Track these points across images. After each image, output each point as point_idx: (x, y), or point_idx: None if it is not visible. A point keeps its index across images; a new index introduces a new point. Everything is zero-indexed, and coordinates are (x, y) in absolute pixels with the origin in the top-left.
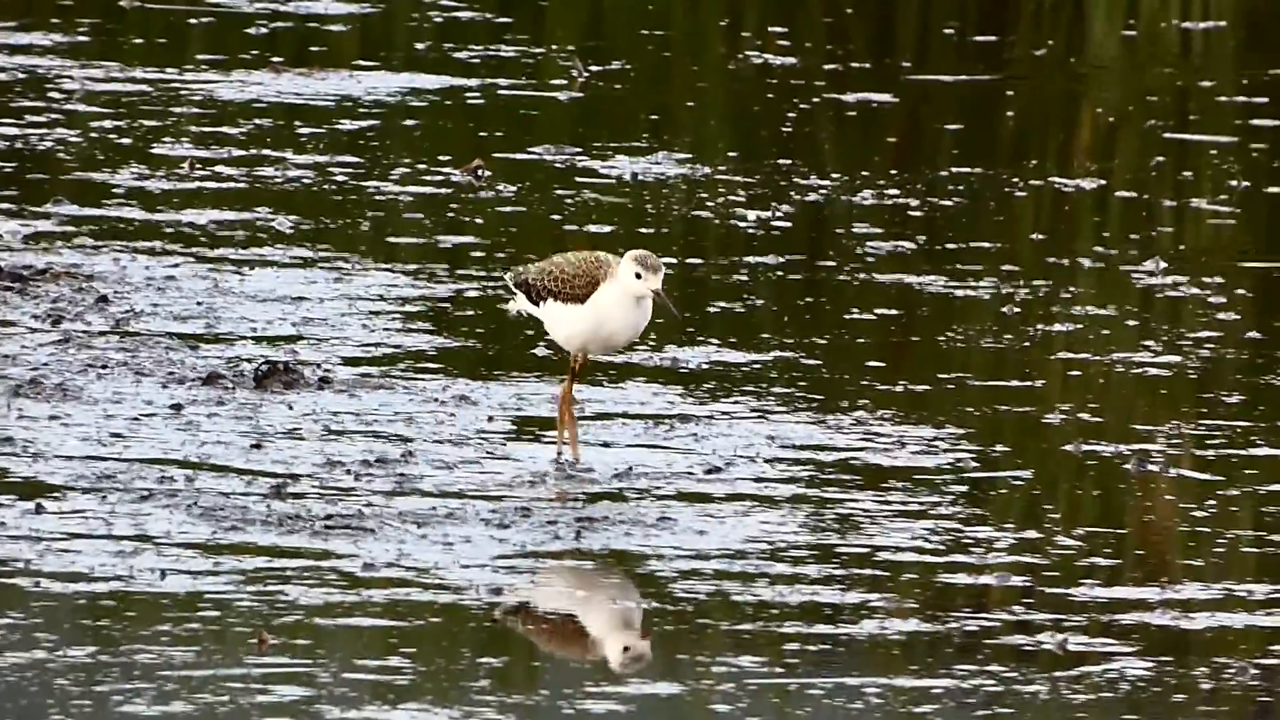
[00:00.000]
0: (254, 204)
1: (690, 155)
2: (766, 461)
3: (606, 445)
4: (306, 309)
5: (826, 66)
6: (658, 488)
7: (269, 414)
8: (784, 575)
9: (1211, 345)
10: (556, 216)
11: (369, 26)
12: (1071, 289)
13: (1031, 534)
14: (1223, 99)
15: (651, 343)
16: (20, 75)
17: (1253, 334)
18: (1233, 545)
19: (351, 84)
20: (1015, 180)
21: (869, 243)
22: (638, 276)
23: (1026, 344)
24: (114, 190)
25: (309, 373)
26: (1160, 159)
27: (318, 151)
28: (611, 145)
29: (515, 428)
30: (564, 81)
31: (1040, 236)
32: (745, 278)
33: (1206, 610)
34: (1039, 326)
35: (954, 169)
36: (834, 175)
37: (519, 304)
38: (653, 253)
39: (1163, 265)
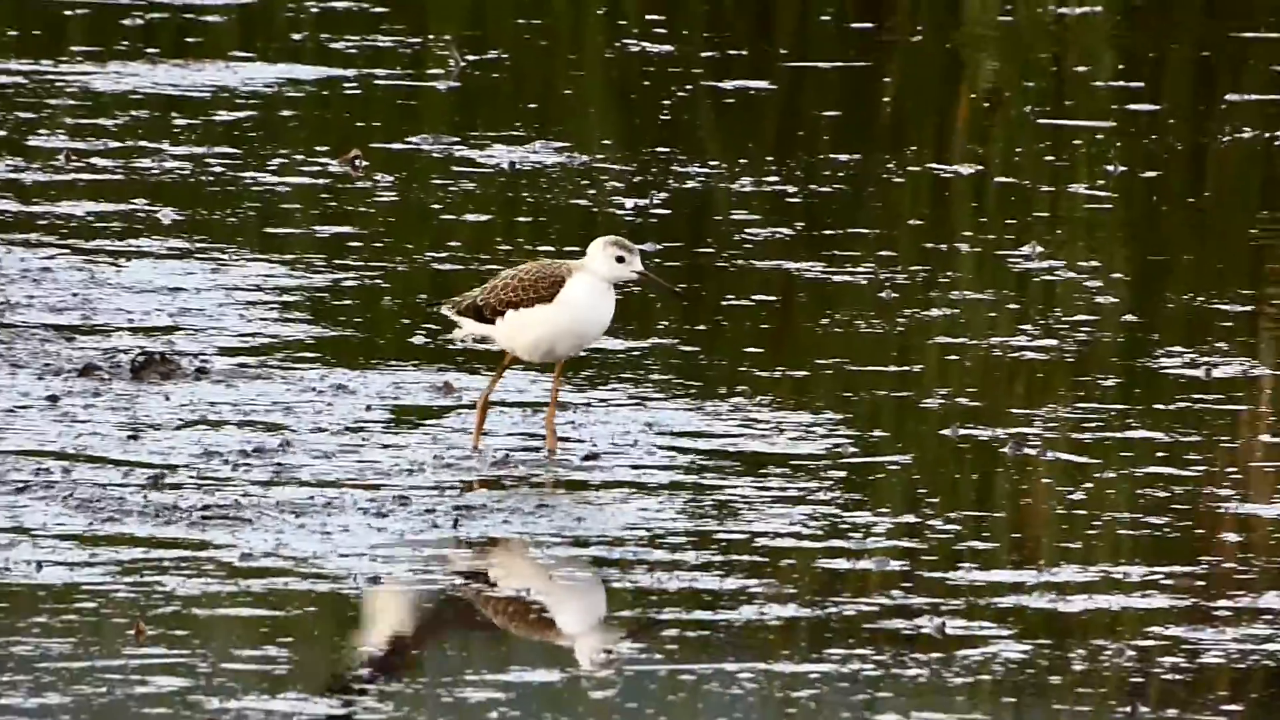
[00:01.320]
0: (130, 196)
1: (568, 144)
2: (645, 449)
3: (485, 434)
4: (183, 300)
5: (705, 54)
6: (535, 475)
7: (146, 405)
8: (663, 562)
9: (1088, 329)
10: (435, 206)
11: (246, 17)
12: (949, 274)
13: (910, 518)
14: (1099, 84)
15: None
16: None
17: (1129, 317)
18: (1109, 528)
19: (228, 75)
20: (893, 166)
21: (747, 229)
22: (620, 260)
23: (904, 329)
24: None
25: (186, 363)
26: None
27: (194, 143)
28: (490, 134)
29: (393, 417)
30: (442, 71)
31: (918, 222)
32: None
33: (1083, 593)
34: (917, 312)
35: (832, 155)
36: (712, 162)
37: (467, 329)
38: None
39: (1039, 250)
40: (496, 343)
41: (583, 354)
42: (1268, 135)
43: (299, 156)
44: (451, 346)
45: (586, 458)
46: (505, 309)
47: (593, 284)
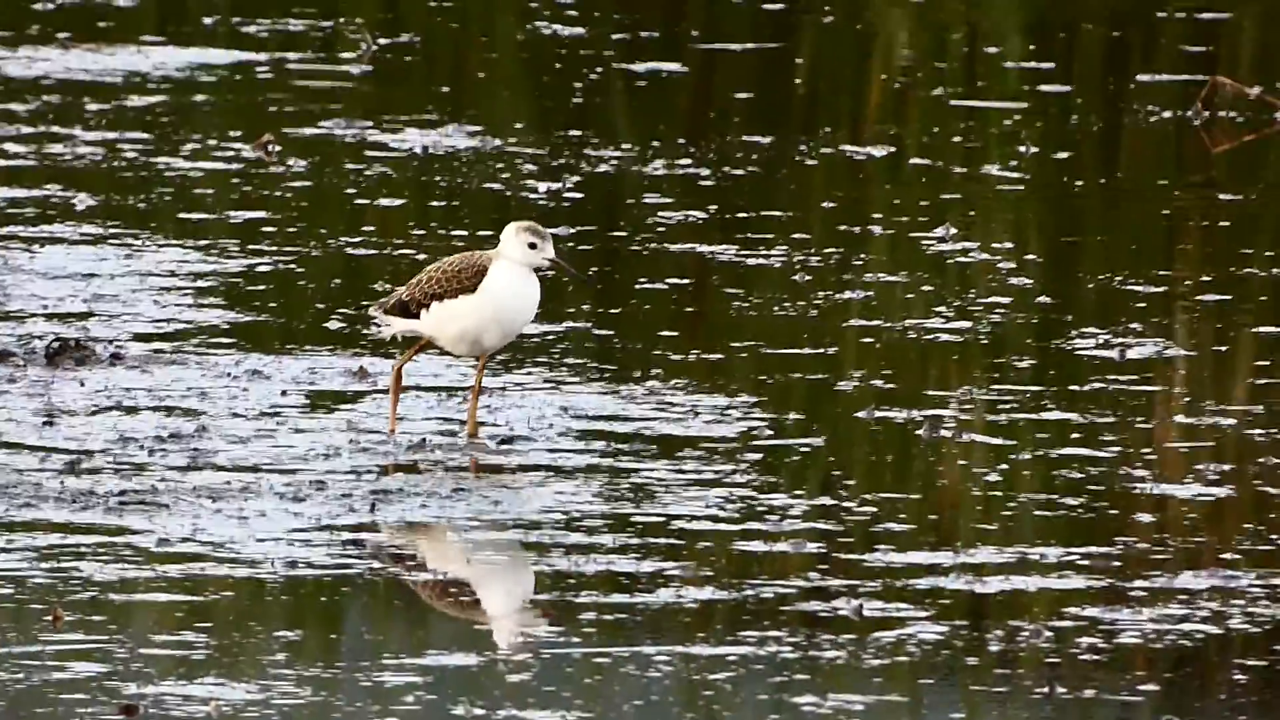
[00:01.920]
0: (43, 181)
1: (481, 127)
2: (560, 432)
3: (400, 418)
4: (98, 285)
5: (616, 36)
6: (452, 459)
7: (61, 391)
8: (580, 545)
9: (1002, 310)
10: (348, 190)
11: (159, 1)
12: (863, 256)
13: (826, 501)
14: (1010, 64)
15: None
16: None
17: (1043, 298)
18: (1025, 509)
19: (140, 59)
20: (806, 148)
21: (660, 212)
22: (532, 247)
23: (818, 311)
24: None
25: (101, 349)
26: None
27: (107, 128)
28: (402, 118)
29: (309, 402)
30: (354, 55)
31: (831, 204)
32: None
33: (1000, 574)
34: (831, 294)
35: (745, 137)
36: (625, 145)
37: (395, 327)
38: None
39: (953, 231)
40: (424, 337)
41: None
42: (1178, 115)
43: (212, 141)
44: (365, 332)
45: (502, 442)
46: (430, 301)
47: (513, 271)
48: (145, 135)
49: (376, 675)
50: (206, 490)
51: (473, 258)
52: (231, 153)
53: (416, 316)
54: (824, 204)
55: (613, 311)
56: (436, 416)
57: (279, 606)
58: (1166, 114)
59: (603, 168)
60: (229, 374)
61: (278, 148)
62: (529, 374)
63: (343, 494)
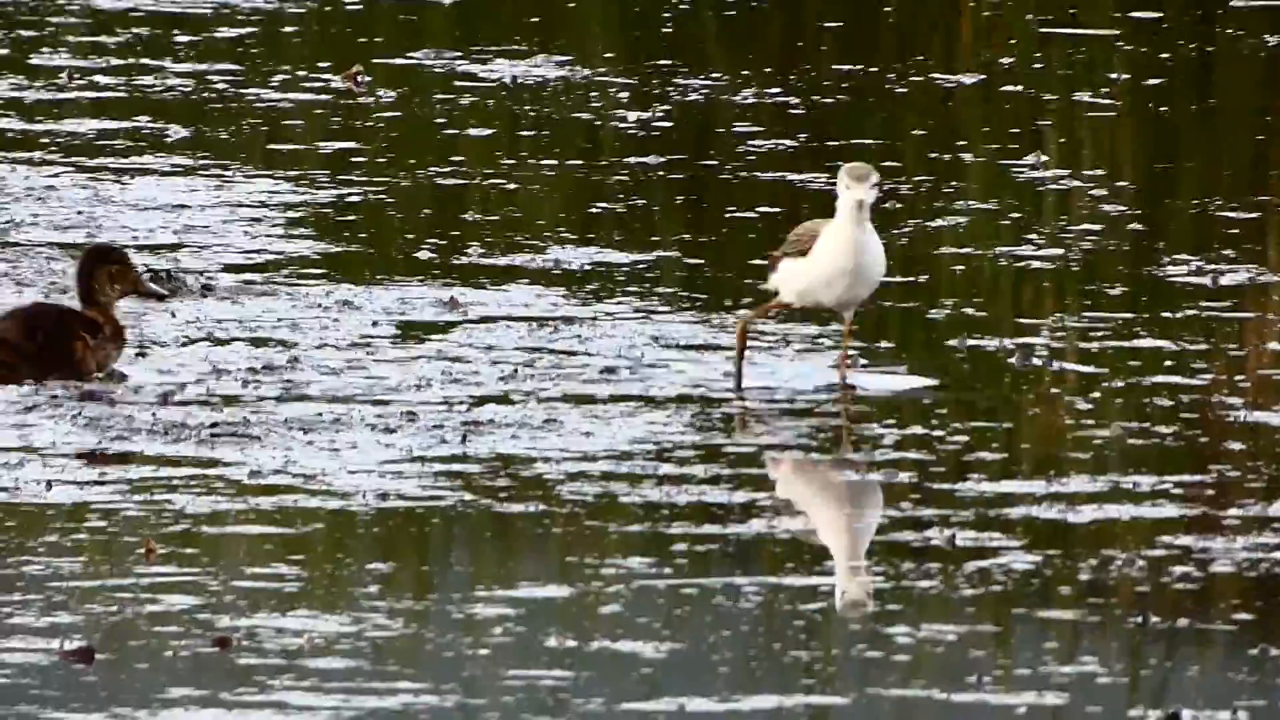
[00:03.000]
0: (133, 113)
1: (570, 57)
2: (652, 362)
3: (490, 348)
4: (188, 217)
5: None
6: (543, 390)
7: (153, 322)
8: (671, 476)
9: (1094, 238)
10: (438, 121)
11: None
12: (954, 184)
13: (918, 430)
14: None
15: (534, 244)
16: None
17: (1135, 225)
18: (1117, 437)
19: None
20: (896, 76)
21: (751, 141)
22: (847, 188)
23: (909, 239)
24: None
25: (192, 280)
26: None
27: (196, 59)
28: (491, 49)
29: (399, 332)
30: None
31: (921, 132)
32: (627, 178)
33: (1092, 503)
34: (922, 222)
35: (835, 66)
36: (715, 75)
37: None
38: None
39: (1044, 159)
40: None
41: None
42: (1272, 39)
43: (301, 73)
44: (456, 261)
45: (601, 371)
46: (781, 260)
47: (834, 229)
48: (234, 66)
49: (468, 607)
50: (298, 422)
51: (817, 224)
52: (320, 84)
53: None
54: (914, 132)
55: (703, 240)
56: (527, 347)
57: (370, 538)
58: (1260, 39)
59: (692, 97)
60: (319, 305)
61: (367, 78)
62: (619, 303)
63: (434, 425)
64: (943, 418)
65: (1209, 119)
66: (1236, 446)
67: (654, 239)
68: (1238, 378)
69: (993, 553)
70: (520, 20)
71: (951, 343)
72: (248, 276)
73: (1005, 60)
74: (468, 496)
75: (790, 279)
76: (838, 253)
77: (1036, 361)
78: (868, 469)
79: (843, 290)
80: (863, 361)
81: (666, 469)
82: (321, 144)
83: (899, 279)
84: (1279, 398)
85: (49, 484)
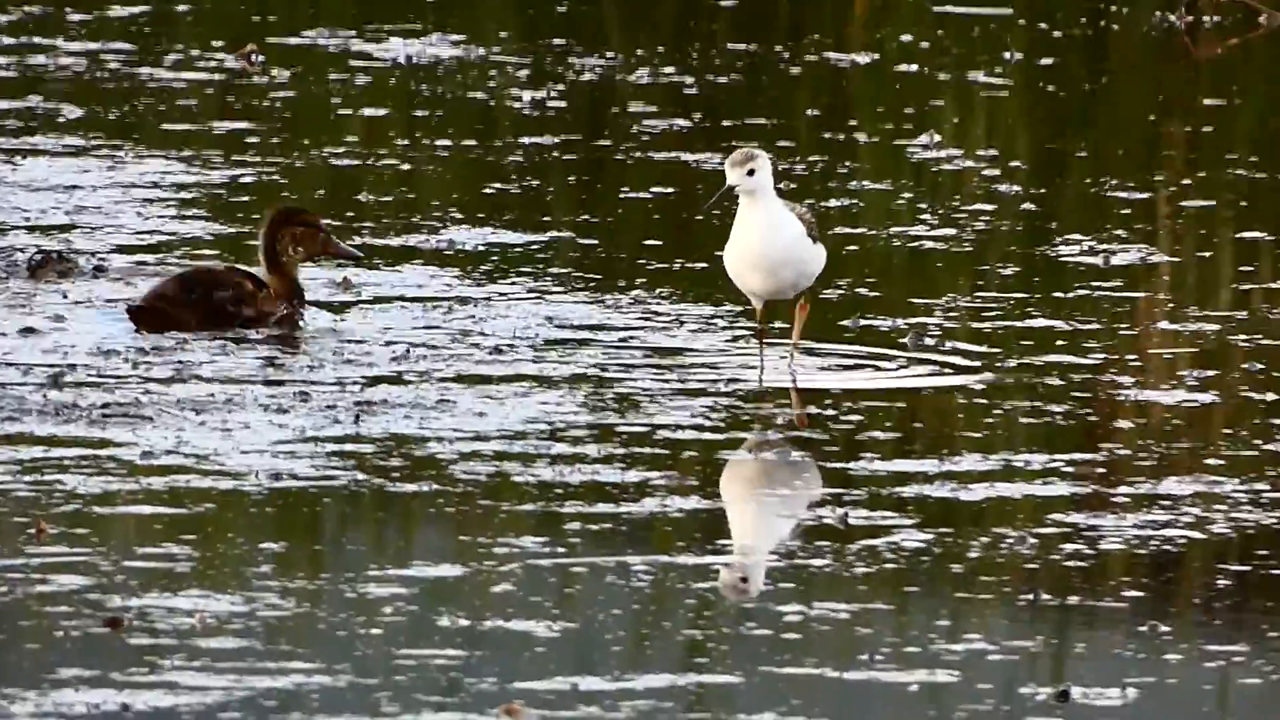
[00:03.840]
0: (25, 92)
1: (465, 36)
2: (545, 342)
3: (384, 329)
4: (80, 197)
5: None
6: (437, 370)
7: (43, 303)
8: (564, 455)
9: (986, 217)
10: (332, 100)
11: None
12: (847, 164)
13: (811, 409)
14: None
15: (429, 225)
16: None
17: (1027, 205)
18: (1009, 416)
19: None
20: (790, 56)
21: (645, 121)
22: (750, 174)
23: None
24: None
25: (84, 261)
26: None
27: (89, 38)
28: (386, 27)
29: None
30: None
31: (815, 112)
32: (521, 158)
33: (984, 481)
34: (815, 202)
35: (729, 46)
36: (609, 54)
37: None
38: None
39: (937, 138)
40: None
41: (456, 249)
42: (1162, 20)
43: (195, 52)
44: (349, 242)
45: (489, 352)
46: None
47: (742, 212)
48: (128, 46)
49: (361, 587)
50: (190, 402)
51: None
52: (214, 63)
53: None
54: (808, 111)
55: (597, 221)
56: (421, 327)
57: (263, 518)
58: (1152, 18)
59: (587, 76)
60: None
61: (261, 58)
62: (514, 284)
63: (327, 405)
64: (836, 397)
65: (1101, 99)
66: (1127, 425)
67: (548, 219)
68: (1129, 357)
69: (885, 531)
70: None
71: (845, 323)
72: (140, 257)
73: (899, 39)
74: (360, 476)
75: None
76: (734, 239)
77: (929, 341)
78: (760, 448)
79: (759, 277)
80: (754, 340)
81: (559, 449)
82: (215, 124)
83: None
84: (1169, 377)
85: None
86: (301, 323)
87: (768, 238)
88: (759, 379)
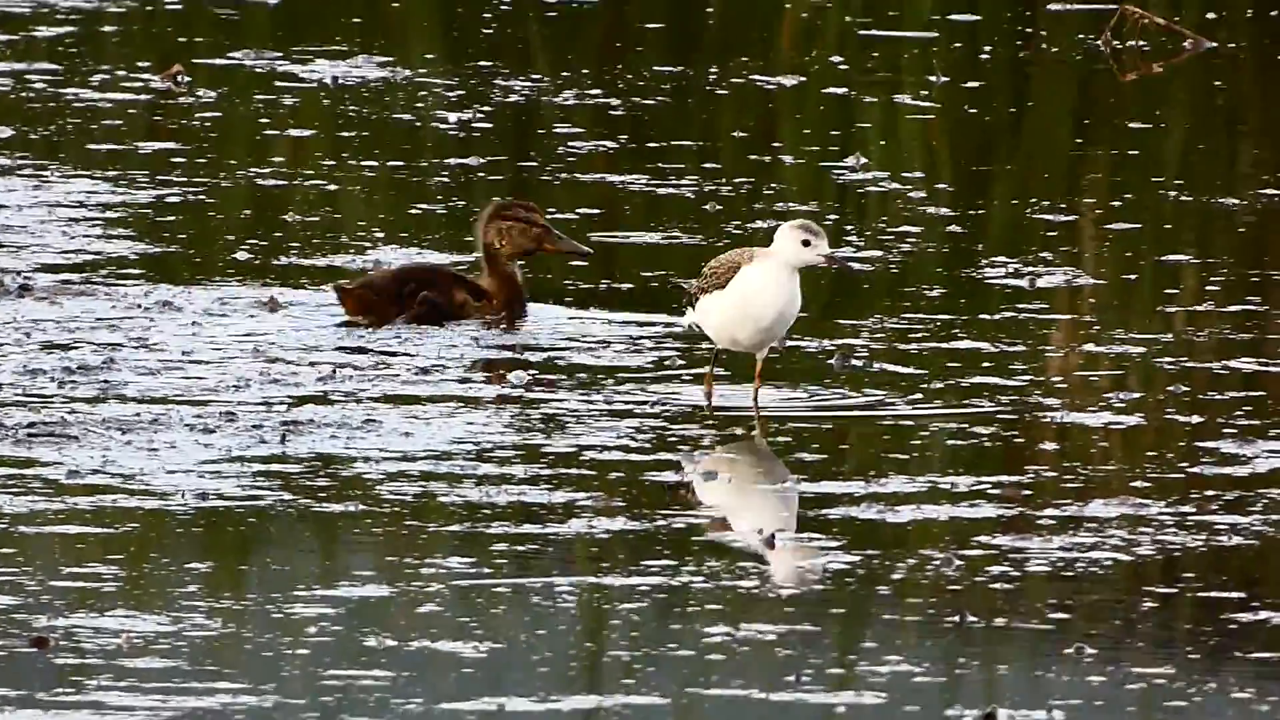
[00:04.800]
0: None
1: (391, 58)
2: (471, 362)
3: (310, 349)
4: (6, 217)
5: None
6: (363, 390)
7: None
8: (491, 476)
9: (912, 239)
10: (258, 121)
11: None
12: (773, 185)
13: (737, 430)
14: None
15: (355, 245)
16: None
17: (953, 228)
18: (935, 438)
19: None
20: (717, 78)
21: (571, 142)
22: (805, 244)
23: (729, 240)
24: None
25: (9, 280)
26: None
27: (14, 59)
28: (312, 49)
29: (218, 333)
30: None
31: (742, 134)
32: (448, 179)
33: (910, 503)
34: (741, 223)
35: (656, 67)
36: (536, 76)
37: (688, 319)
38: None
39: (863, 161)
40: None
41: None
42: (1087, 44)
43: (121, 72)
44: (276, 261)
45: (415, 373)
46: (700, 295)
47: (770, 271)
48: (53, 66)
49: (287, 607)
50: (116, 422)
51: (734, 255)
52: (140, 83)
53: (693, 307)
54: (735, 133)
55: None
56: (347, 347)
57: (189, 538)
58: (1075, 42)
59: (513, 98)
60: (138, 305)
61: (187, 78)
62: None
63: (253, 425)
64: (762, 419)
65: (1025, 121)
66: (1053, 447)
67: (473, 240)
68: (1054, 379)
69: (811, 553)
70: (342, 21)
71: (772, 344)
72: (65, 276)
73: (824, 62)
74: (287, 496)
75: (709, 314)
76: (766, 294)
77: (856, 362)
78: (687, 470)
79: (761, 332)
80: (680, 361)
81: (486, 469)
82: (141, 144)
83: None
84: (1094, 399)
85: None
86: (518, 322)
87: (786, 299)
88: (709, 405)
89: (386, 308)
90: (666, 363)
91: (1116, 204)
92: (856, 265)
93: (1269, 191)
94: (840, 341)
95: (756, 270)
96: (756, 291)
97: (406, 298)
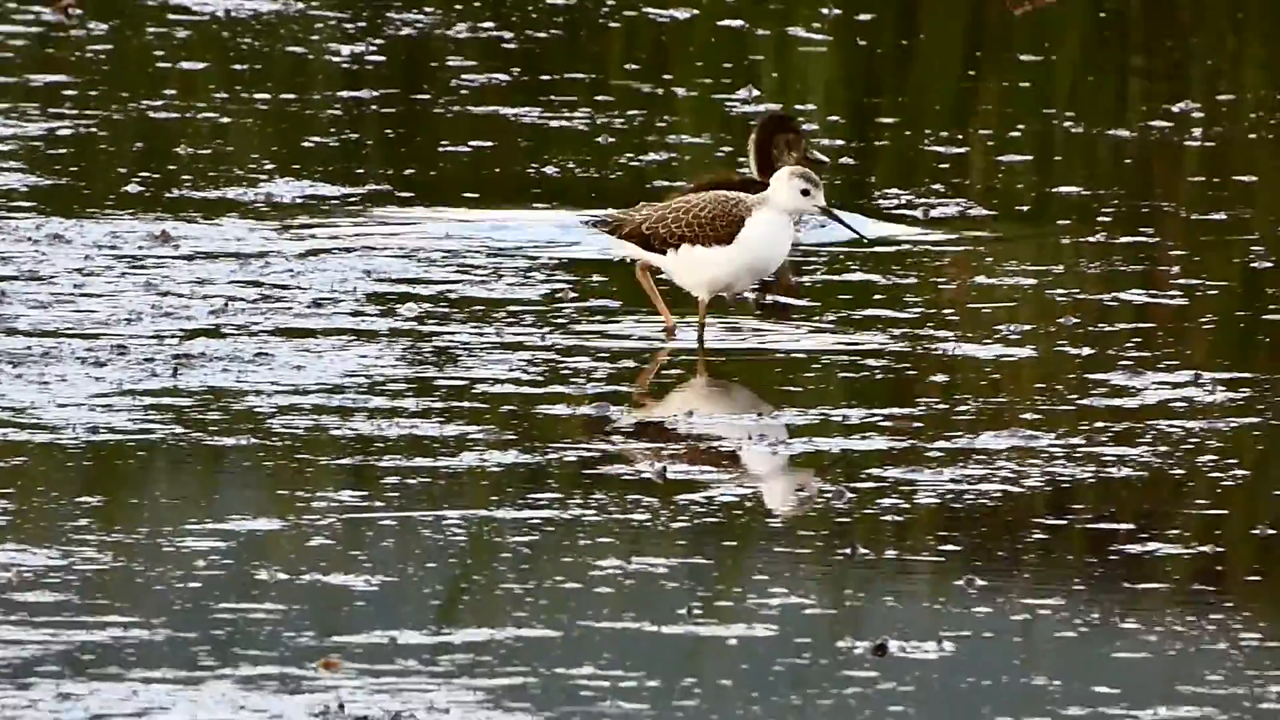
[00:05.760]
0: None
1: None
2: (364, 295)
3: (202, 282)
4: None
5: None
6: (255, 324)
7: None
8: (382, 409)
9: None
10: (152, 54)
11: None
12: (666, 118)
13: (629, 364)
14: None
15: (247, 178)
16: None
17: (845, 160)
18: (827, 371)
19: None
20: (609, 10)
21: (464, 75)
22: (805, 194)
23: (622, 172)
24: None
25: None
26: None
27: None
28: None
29: (110, 265)
30: None
31: (634, 66)
32: (340, 112)
33: (802, 435)
34: (634, 156)
35: (549, 1)
36: (428, 9)
37: (628, 253)
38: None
39: (756, 93)
40: (665, 273)
41: (274, 202)
42: None
43: (11, 4)
44: (168, 194)
45: (307, 305)
46: (679, 243)
47: (772, 220)
48: None
49: (178, 540)
50: (6, 355)
51: (728, 205)
52: (31, 16)
53: (660, 252)
54: (627, 66)
55: (416, 174)
56: (239, 280)
57: (80, 472)
58: None
59: (406, 31)
60: (29, 238)
61: (78, 11)
62: (333, 237)
63: (145, 359)
64: (654, 352)
65: (917, 53)
66: (944, 379)
67: (367, 172)
68: (946, 311)
69: (703, 486)
70: None
71: (663, 276)
72: None
73: None
74: (178, 430)
75: (704, 265)
76: (777, 246)
77: (747, 296)
78: (579, 403)
79: (758, 280)
80: (573, 294)
81: (377, 402)
82: (31, 76)
83: (610, 210)
84: (986, 331)
85: None
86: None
87: (788, 247)
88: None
89: None
90: (558, 295)
91: (1008, 135)
92: (848, 220)
93: (1158, 123)
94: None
95: (761, 221)
96: (768, 244)
97: None
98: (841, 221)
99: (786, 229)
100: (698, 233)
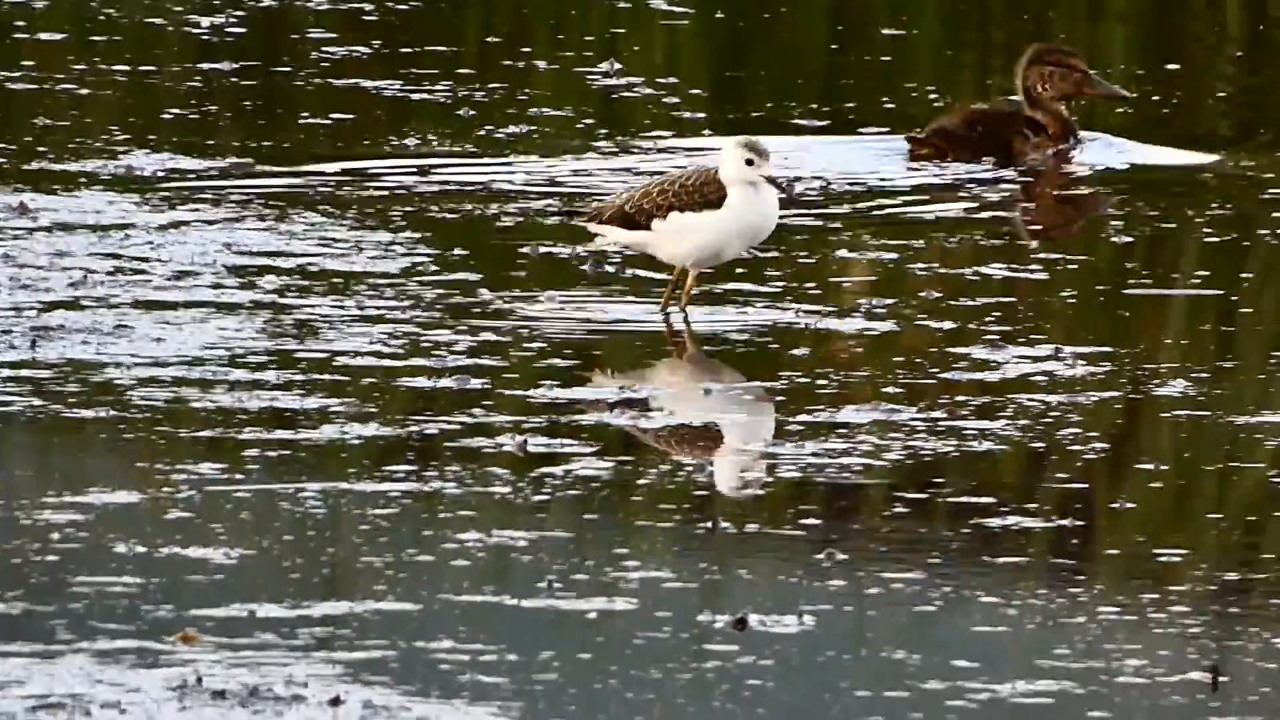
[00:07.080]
0: None
1: None
2: (224, 268)
3: (61, 254)
4: None
5: None
6: (115, 296)
7: None
8: (243, 381)
9: (666, 145)
10: (12, 24)
11: None
12: (527, 91)
13: (489, 337)
14: None
15: (106, 150)
16: None
17: (707, 132)
18: (689, 344)
19: None
20: None
21: (324, 48)
22: (749, 163)
23: (481, 146)
24: None
25: None
26: None
27: None
28: None
29: None
30: None
31: (495, 39)
32: (199, 84)
33: (663, 409)
34: (494, 129)
35: None
36: None
37: (613, 237)
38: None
39: (617, 66)
40: (649, 249)
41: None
42: None
43: None
44: (26, 166)
45: (167, 278)
46: (666, 213)
47: (761, 185)
48: None
49: (35, 513)
50: None
51: (713, 173)
52: None
53: (646, 228)
54: (488, 39)
55: (275, 146)
56: (99, 253)
57: None
58: None
59: (266, 2)
60: None
61: None
62: (194, 210)
63: (2, 331)
64: (514, 323)
65: (779, 26)
66: (805, 353)
67: (225, 145)
68: (808, 285)
69: (564, 459)
70: None
71: (524, 249)
72: None
73: None
74: (37, 402)
75: (693, 231)
76: (742, 215)
77: (609, 269)
78: (440, 375)
79: (748, 245)
80: (434, 267)
81: (238, 375)
82: None
83: (471, 185)
84: (850, 304)
85: None
86: (1073, 155)
87: (775, 211)
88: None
89: (960, 150)
90: (419, 268)
91: (871, 109)
92: (799, 188)
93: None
94: (594, 248)
95: (746, 195)
96: (759, 209)
97: (978, 138)
98: (784, 190)
99: (769, 194)
100: (685, 200)
